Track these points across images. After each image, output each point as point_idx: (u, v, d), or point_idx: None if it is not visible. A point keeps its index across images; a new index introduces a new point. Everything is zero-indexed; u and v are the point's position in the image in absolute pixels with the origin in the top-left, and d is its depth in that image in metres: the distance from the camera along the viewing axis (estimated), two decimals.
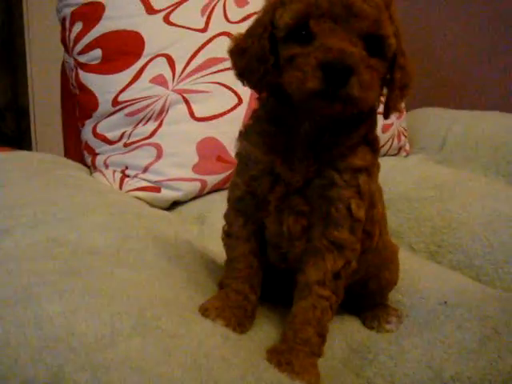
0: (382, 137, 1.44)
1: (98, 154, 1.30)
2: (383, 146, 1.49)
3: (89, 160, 1.32)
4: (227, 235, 0.73)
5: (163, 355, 0.51)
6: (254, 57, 0.62)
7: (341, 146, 0.65)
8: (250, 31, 0.64)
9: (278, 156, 0.65)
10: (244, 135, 0.69)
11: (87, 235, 0.78)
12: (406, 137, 1.60)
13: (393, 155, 1.57)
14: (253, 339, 0.65)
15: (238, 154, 0.70)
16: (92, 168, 1.31)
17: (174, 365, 0.50)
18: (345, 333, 0.76)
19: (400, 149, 1.59)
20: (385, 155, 1.52)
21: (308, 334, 0.64)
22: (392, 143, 1.53)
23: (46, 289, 0.59)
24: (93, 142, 1.30)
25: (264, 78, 0.62)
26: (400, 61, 0.62)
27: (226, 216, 0.74)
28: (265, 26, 0.62)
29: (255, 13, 1.30)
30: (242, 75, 0.65)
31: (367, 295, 0.82)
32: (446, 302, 0.80)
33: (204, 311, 0.66)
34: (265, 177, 0.66)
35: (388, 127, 1.50)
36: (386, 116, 0.66)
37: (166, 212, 1.14)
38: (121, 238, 0.79)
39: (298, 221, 0.67)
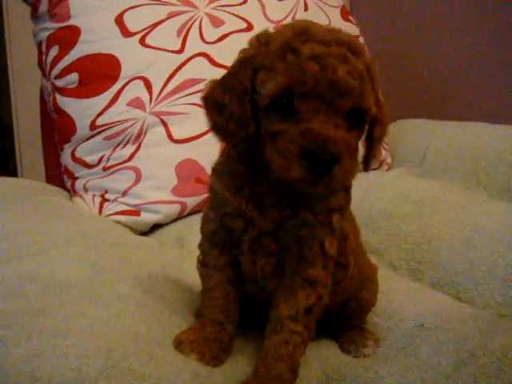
0: (362, 153, 1.44)
1: (77, 178, 1.29)
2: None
3: (68, 184, 1.32)
4: (202, 265, 0.73)
5: None
6: (234, 119, 0.60)
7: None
8: (229, 86, 0.61)
9: (249, 200, 0.65)
10: (216, 173, 0.69)
11: (60, 269, 0.77)
12: (387, 150, 1.60)
13: (374, 169, 1.57)
14: (226, 373, 0.64)
15: (211, 189, 0.70)
16: (72, 192, 1.31)
17: None
18: (321, 358, 0.76)
19: (381, 163, 1.59)
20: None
21: (281, 370, 0.64)
22: None
23: (13, 331, 0.58)
24: (72, 166, 1.30)
25: (244, 142, 0.61)
26: (379, 117, 0.63)
27: (201, 246, 0.74)
28: (245, 87, 0.60)
29: (231, 32, 1.33)
30: (219, 132, 0.63)
31: (347, 316, 0.82)
32: (422, 325, 0.79)
33: (178, 344, 0.66)
34: (237, 218, 0.66)
35: None
36: (367, 168, 0.67)
37: (144, 238, 1.14)
38: (94, 270, 0.79)
39: (269, 261, 0.68)
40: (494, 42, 1.96)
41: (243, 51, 0.63)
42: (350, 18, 1.63)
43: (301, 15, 1.48)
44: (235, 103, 0.60)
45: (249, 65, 0.60)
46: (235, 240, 0.68)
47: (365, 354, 0.78)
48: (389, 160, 1.63)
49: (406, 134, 1.71)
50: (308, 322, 0.66)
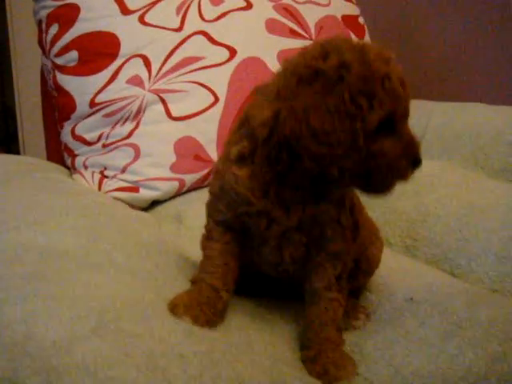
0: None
1: (77, 155, 1.31)
2: None
3: (68, 161, 1.33)
4: (207, 239, 0.74)
5: (120, 356, 0.52)
6: (343, 145, 0.61)
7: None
8: (329, 111, 0.60)
9: (273, 201, 0.67)
10: (230, 177, 0.68)
11: (57, 238, 0.79)
12: None
13: None
14: (219, 332, 0.66)
15: (221, 189, 0.70)
16: (72, 169, 1.32)
17: (130, 366, 0.51)
18: None
19: None
20: None
21: (328, 333, 0.72)
22: None
23: (9, 293, 0.60)
24: (72, 143, 1.31)
25: (353, 165, 0.63)
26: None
27: (206, 225, 0.75)
28: (353, 115, 0.60)
29: (230, 10, 1.33)
30: (321, 160, 0.62)
31: (356, 275, 0.83)
32: (411, 299, 0.81)
33: (172, 307, 0.67)
34: (260, 217, 0.69)
35: None
36: None
37: (142, 212, 1.15)
38: (91, 239, 0.80)
39: (298, 249, 0.72)
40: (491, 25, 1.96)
41: (303, 67, 0.62)
42: None
43: None
44: (344, 130, 0.60)
45: (343, 90, 0.60)
46: (252, 232, 0.71)
47: (355, 326, 0.80)
48: None
49: None
50: (340, 287, 0.73)
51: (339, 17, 1.53)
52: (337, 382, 0.68)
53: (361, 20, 1.61)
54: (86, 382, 0.48)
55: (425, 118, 1.63)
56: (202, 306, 0.68)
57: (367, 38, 1.61)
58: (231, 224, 0.72)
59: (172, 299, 0.69)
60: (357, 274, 0.83)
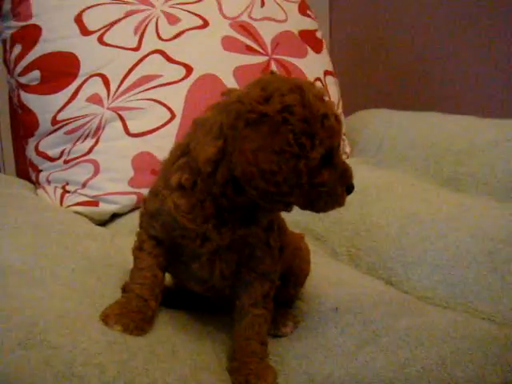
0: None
1: (41, 170, 1.36)
2: None
3: (33, 176, 1.38)
4: (138, 249, 0.80)
5: (40, 366, 0.57)
6: (288, 183, 0.66)
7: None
8: (275, 152, 0.65)
9: (210, 224, 0.72)
10: (170, 204, 0.72)
11: (6, 256, 0.84)
12: (343, 141, 1.66)
13: None
14: (142, 341, 0.70)
15: (158, 211, 0.75)
16: (36, 184, 1.37)
17: (49, 375, 0.56)
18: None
19: None
20: None
21: (253, 347, 0.77)
22: None
23: None
24: (36, 159, 1.36)
25: (296, 196, 0.69)
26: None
27: (139, 235, 0.80)
28: (296, 154, 0.66)
29: (187, 29, 1.38)
30: (268, 197, 0.68)
31: (285, 288, 0.89)
32: (337, 308, 0.86)
33: (104, 318, 0.72)
34: (195, 238, 0.74)
35: None
36: None
37: (97, 227, 1.20)
38: (37, 257, 0.85)
39: (228, 267, 0.77)
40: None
41: (249, 111, 0.66)
42: (309, 12, 1.68)
43: (257, 11, 1.54)
44: (290, 170, 0.66)
45: (288, 132, 0.65)
46: (183, 248, 0.76)
47: (283, 332, 0.86)
48: (347, 150, 1.69)
49: (366, 123, 1.77)
50: (266, 304, 0.79)
51: (296, 32, 1.59)
52: None
53: (318, 34, 1.67)
54: None
55: (382, 127, 1.69)
56: (131, 315, 0.73)
57: (325, 52, 1.67)
58: (163, 240, 0.77)
59: (104, 310, 0.74)
60: (287, 286, 0.89)
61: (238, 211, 0.72)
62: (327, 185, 0.70)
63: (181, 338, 0.76)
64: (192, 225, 0.72)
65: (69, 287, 0.78)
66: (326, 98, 0.71)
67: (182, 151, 0.73)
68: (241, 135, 0.65)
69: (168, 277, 0.84)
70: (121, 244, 1.09)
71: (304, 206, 0.72)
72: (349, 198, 1.27)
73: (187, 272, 0.79)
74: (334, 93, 1.64)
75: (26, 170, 1.45)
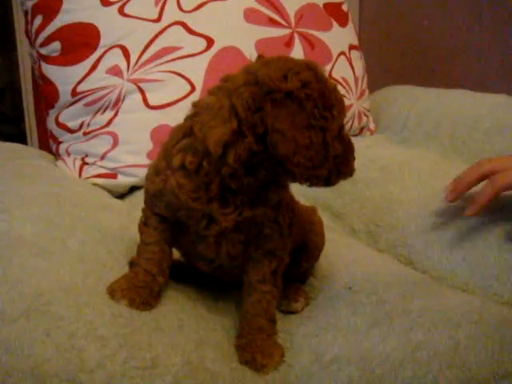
0: None
1: (61, 142, 1.36)
2: None
3: (53, 148, 1.39)
4: (144, 224, 0.79)
5: (41, 337, 0.57)
6: (320, 153, 0.67)
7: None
8: (305, 126, 0.66)
9: (215, 203, 0.71)
10: (173, 183, 0.71)
11: (17, 226, 0.83)
12: (367, 117, 1.63)
13: (355, 135, 1.60)
14: (147, 316, 0.70)
15: (161, 191, 0.74)
16: (56, 156, 1.38)
17: (48, 345, 0.56)
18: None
19: (362, 129, 1.62)
20: None
21: (260, 323, 0.76)
22: (352, 124, 1.57)
23: None
24: (56, 131, 1.36)
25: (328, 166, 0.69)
26: None
27: (144, 211, 0.79)
28: (323, 126, 0.67)
29: (209, 1, 1.36)
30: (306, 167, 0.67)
31: (300, 262, 0.89)
32: (350, 288, 0.85)
33: (110, 292, 0.72)
34: (200, 218, 0.73)
35: (347, 108, 1.53)
36: None
37: (114, 200, 1.20)
38: (49, 228, 0.85)
39: (235, 247, 0.76)
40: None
41: (272, 91, 0.65)
42: None
43: None
44: (320, 142, 0.66)
45: (312, 106, 0.66)
46: (189, 228, 0.75)
47: (294, 308, 0.85)
48: (371, 126, 1.66)
49: (391, 100, 1.73)
50: (275, 281, 0.78)
51: (321, 5, 1.56)
52: (262, 369, 0.73)
53: (344, 7, 1.63)
54: (5, 359, 0.53)
55: (408, 105, 1.65)
56: (138, 290, 0.73)
57: (350, 26, 1.63)
58: (168, 218, 0.76)
59: (110, 284, 0.73)
60: (300, 260, 0.88)
61: (245, 193, 0.70)
62: (341, 156, 0.71)
63: (188, 313, 0.75)
64: (197, 204, 0.71)
65: (78, 259, 0.78)
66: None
67: (184, 133, 0.72)
68: (271, 115, 0.64)
69: (176, 252, 0.83)
70: (137, 217, 1.08)
71: (323, 180, 0.71)
72: (370, 175, 1.27)
73: (194, 252, 0.78)
74: (358, 68, 1.60)
75: (47, 142, 1.45)
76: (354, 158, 0.75)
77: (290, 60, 0.70)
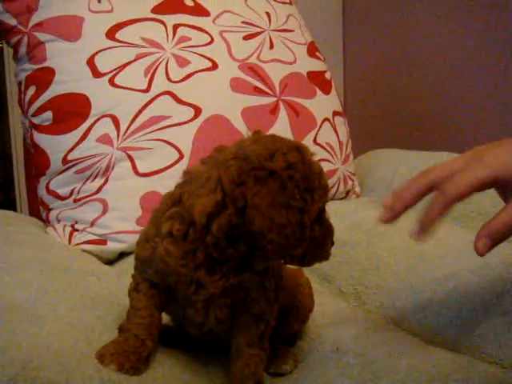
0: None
1: (51, 209, 1.38)
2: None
3: (44, 215, 1.40)
4: (134, 289, 0.80)
5: None
6: (296, 236, 0.68)
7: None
8: (285, 206, 0.67)
9: (202, 270, 0.72)
10: (162, 250, 0.72)
11: (9, 292, 0.84)
12: (353, 181, 1.66)
13: (341, 198, 1.63)
14: (139, 378, 0.71)
15: (150, 257, 0.75)
16: (46, 223, 1.39)
17: None
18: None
19: (348, 192, 1.65)
20: (332, 199, 1.58)
21: None
22: (338, 187, 1.60)
23: None
24: (46, 198, 1.38)
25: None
26: None
27: (134, 277, 0.81)
28: (301, 208, 0.68)
29: (196, 71, 1.41)
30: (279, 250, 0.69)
31: (289, 323, 0.90)
32: (337, 349, 0.85)
33: (99, 357, 0.73)
34: (188, 283, 0.74)
35: (333, 173, 1.57)
36: None
37: (103, 266, 1.21)
38: (39, 293, 0.85)
39: (223, 311, 0.77)
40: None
41: (256, 168, 0.67)
42: (317, 54, 1.71)
43: (266, 53, 1.56)
44: (297, 223, 0.68)
45: (293, 188, 0.68)
46: (178, 294, 0.77)
47: (283, 370, 0.85)
48: (357, 189, 1.69)
49: (376, 163, 1.78)
50: (262, 344, 0.79)
51: (305, 73, 1.62)
52: None
53: (327, 75, 1.69)
54: None
55: (393, 167, 1.69)
56: (127, 355, 0.73)
57: (333, 93, 1.68)
58: (158, 284, 0.78)
59: (100, 349, 0.74)
60: (290, 321, 0.89)
61: (229, 261, 0.72)
62: (319, 239, 0.74)
63: (177, 377, 0.76)
64: (185, 270, 0.72)
65: (68, 325, 0.78)
66: (316, 159, 0.74)
67: (173, 201, 0.74)
68: (251, 191, 0.66)
69: (166, 316, 0.83)
70: (126, 283, 1.09)
71: (297, 259, 0.74)
72: (357, 238, 1.29)
73: (184, 317, 0.79)
74: (342, 133, 1.65)
75: (37, 209, 1.47)
76: (333, 243, 0.78)
77: (281, 140, 0.72)
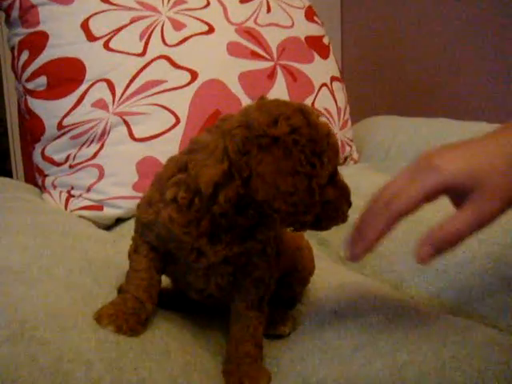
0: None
1: (47, 175, 1.37)
2: None
3: (39, 181, 1.39)
4: (134, 251, 0.79)
5: (26, 361, 0.57)
6: (304, 202, 0.66)
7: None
8: (290, 172, 0.65)
9: (205, 239, 0.71)
10: (165, 216, 0.71)
11: (5, 256, 0.84)
12: (350, 147, 1.65)
13: (339, 165, 1.62)
14: (133, 342, 0.69)
15: (152, 222, 0.74)
16: (42, 189, 1.38)
17: (34, 369, 0.56)
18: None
19: (346, 158, 1.65)
20: None
21: (247, 349, 0.76)
22: None
23: None
24: (42, 164, 1.37)
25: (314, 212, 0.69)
26: None
27: (134, 239, 0.80)
28: (309, 173, 0.66)
29: (192, 35, 1.39)
30: (288, 215, 0.67)
31: (290, 286, 0.90)
32: (335, 312, 0.85)
33: (97, 318, 0.72)
34: (189, 251, 0.73)
35: None
36: None
37: (99, 230, 1.20)
38: (35, 257, 0.85)
39: (224, 278, 0.77)
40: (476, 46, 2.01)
41: (260, 136, 0.65)
42: (316, 18, 1.68)
43: (263, 17, 1.54)
44: (304, 189, 0.66)
45: (299, 153, 0.65)
46: (178, 260, 0.76)
47: (281, 331, 0.85)
48: (355, 156, 1.68)
49: (373, 130, 1.77)
50: (261, 307, 0.78)
51: (302, 38, 1.59)
52: None
53: (325, 40, 1.67)
54: None
55: (391, 133, 1.69)
56: (125, 316, 0.72)
57: (331, 58, 1.66)
58: (159, 248, 0.77)
59: (98, 310, 0.73)
60: (292, 284, 0.90)
61: (235, 230, 0.71)
62: (333, 202, 0.72)
63: (175, 338, 0.75)
64: (187, 238, 0.71)
65: (64, 287, 0.78)
66: (323, 120, 0.72)
67: (179, 167, 0.72)
68: (255, 160, 0.65)
69: (166, 279, 0.83)
70: (123, 247, 1.08)
71: (312, 225, 0.72)
72: (354, 202, 1.28)
73: (184, 281, 0.79)
74: (340, 98, 1.64)
75: (33, 176, 1.46)
76: (350, 204, 0.76)
77: (285, 104, 0.69)
